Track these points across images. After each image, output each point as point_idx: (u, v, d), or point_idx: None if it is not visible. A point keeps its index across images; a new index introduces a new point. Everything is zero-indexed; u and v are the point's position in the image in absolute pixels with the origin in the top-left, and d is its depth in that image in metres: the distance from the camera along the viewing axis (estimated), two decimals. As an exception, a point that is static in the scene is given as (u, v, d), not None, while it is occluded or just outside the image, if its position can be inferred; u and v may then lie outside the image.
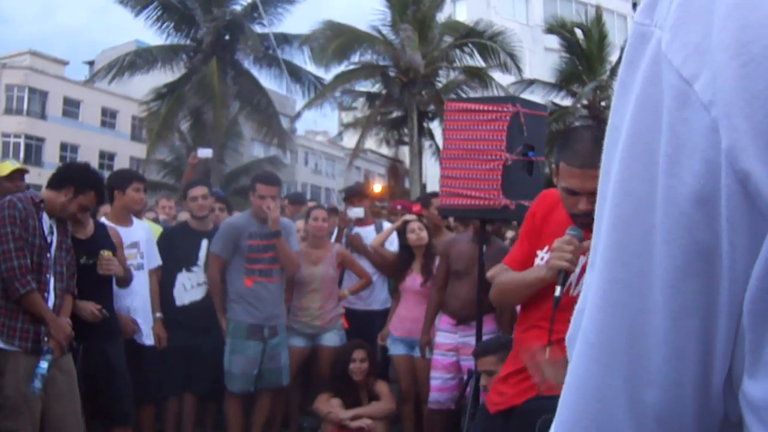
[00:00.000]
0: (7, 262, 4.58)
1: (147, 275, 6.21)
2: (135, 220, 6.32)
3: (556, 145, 3.26)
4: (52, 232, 4.93)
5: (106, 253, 5.41)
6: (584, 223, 3.03)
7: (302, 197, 10.17)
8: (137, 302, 6.01)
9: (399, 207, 9.00)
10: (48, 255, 4.82)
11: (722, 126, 0.62)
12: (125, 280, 5.71)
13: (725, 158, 0.62)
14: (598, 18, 28.91)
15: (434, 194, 6.77)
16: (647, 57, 0.69)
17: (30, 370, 4.56)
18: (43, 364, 4.58)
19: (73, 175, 5.11)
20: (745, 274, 0.64)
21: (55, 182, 5.05)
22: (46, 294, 4.76)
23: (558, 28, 29.09)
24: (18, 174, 6.02)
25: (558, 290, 3.05)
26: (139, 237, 6.21)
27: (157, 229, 7.10)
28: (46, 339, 4.68)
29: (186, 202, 6.85)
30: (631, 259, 0.71)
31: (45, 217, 4.89)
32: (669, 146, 0.66)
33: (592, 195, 2.86)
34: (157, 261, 6.36)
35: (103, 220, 6.11)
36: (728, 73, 0.62)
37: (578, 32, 28.93)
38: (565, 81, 29.05)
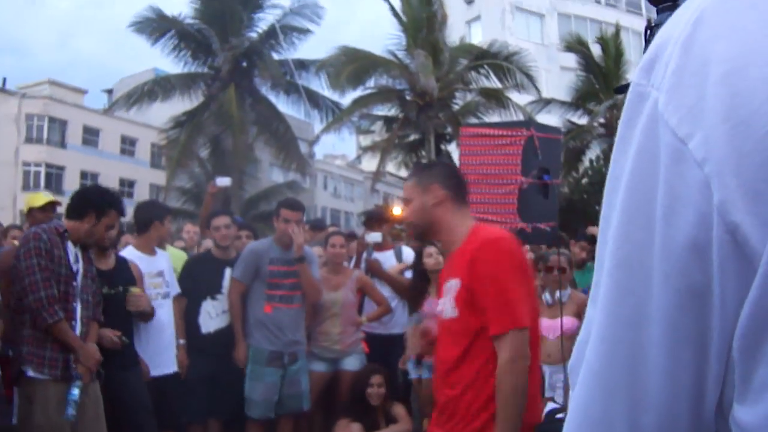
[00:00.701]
0: (34, 293, 4.63)
1: (171, 303, 6.29)
2: (157, 249, 6.42)
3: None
4: (77, 261, 4.99)
5: (135, 290, 5.51)
6: (410, 232, 3.47)
7: (323, 223, 10.22)
8: (162, 332, 6.09)
9: None
10: (74, 284, 4.89)
11: (714, 182, 0.69)
12: (148, 315, 5.80)
13: (717, 211, 0.69)
14: (616, 34, 28.92)
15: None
16: (645, 115, 0.76)
17: (60, 398, 4.61)
18: (75, 391, 4.63)
19: (90, 201, 5.17)
20: (734, 313, 0.70)
21: (74, 211, 5.11)
22: (73, 322, 4.81)
23: (576, 44, 29.12)
24: (50, 206, 6.10)
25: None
26: (163, 266, 6.31)
27: (185, 258, 7.20)
28: (74, 366, 4.73)
29: (208, 231, 6.90)
30: (630, 298, 0.78)
31: (70, 246, 4.96)
32: (665, 198, 0.73)
33: (405, 203, 3.44)
34: (177, 289, 6.43)
35: (129, 248, 6.21)
36: (719, 135, 0.69)
37: (596, 49, 28.94)
38: (582, 99, 29.04)
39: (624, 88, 1.22)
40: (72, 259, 4.94)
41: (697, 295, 0.72)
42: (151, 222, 6.24)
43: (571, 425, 0.86)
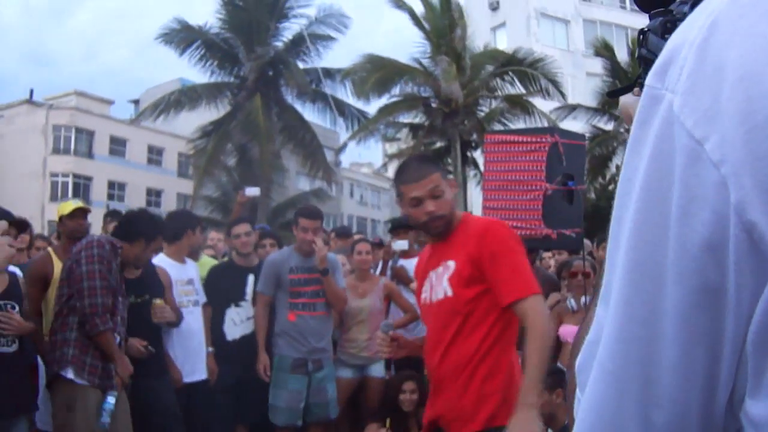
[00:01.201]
0: (92, 298, 4.71)
1: (201, 311, 6.36)
2: (186, 258, 6.51)
3: (394, 179, 3.68)
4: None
5: (158, 302, 5.57)
6: (437, 225, 3.44)
7: (348, 231, 10.24)
8: (192, 338, 6.16)
9: None
10: (120, 298, 4.99)
11: (731, 182, 0.71)
12: (174, 322, 5.87)
13: (734, 210, 0.71)
14: (645, 39, 28.72)
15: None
16: (659, 117, 0.78)
17: (96, 406, 4.68)
18: (111, 400, 4.70)
19: (141, 227, 5.30)
20: (749, 310, 0.72)
21: (126, 235, 5.23)
22: (115, 334, 4.89)
23: (603, 49, 29.02)
24: (80, 213, 6.15)
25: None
26: (193, 274, 6.40)
27: (212, 264, 7.28)
28: (115, 374, 4.82)
29: (230, 239, 6.96)
30: (644, 297, 0.79)
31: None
32: (681, 198, 0.74)
33: (432, 197, 3.39)
34: (204, 297, 6.50)
35: (160, 255, 6.26)
36: (736, 138, 0.71)
37: (622, 55, 28.82)
38: (608, 105, 28.92)
39: (616, 93, 1.24)
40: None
41: (711, 293, 0.74)
42: (184, 231, 6.34)
43: (584, 424, 0.88)
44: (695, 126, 0.73)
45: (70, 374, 4.70)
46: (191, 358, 6.12)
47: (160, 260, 6.18)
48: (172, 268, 6.16)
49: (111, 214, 7.62)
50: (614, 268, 0.83)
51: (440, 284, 3.40)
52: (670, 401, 0.79)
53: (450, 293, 3.34)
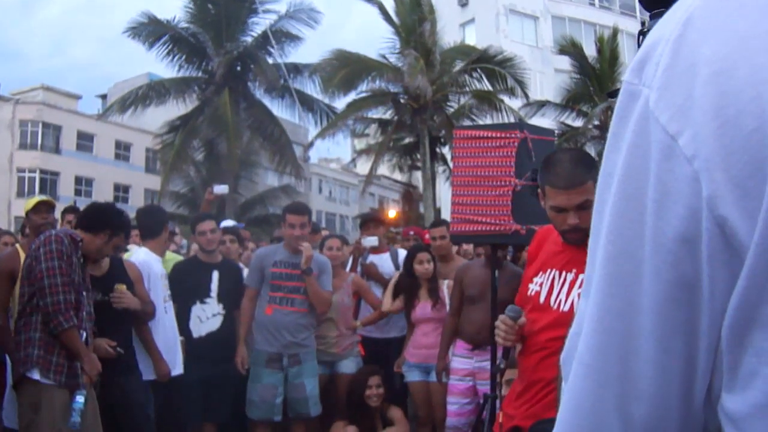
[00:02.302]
0: (54, 296, 4.59)
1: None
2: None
3: (539, 170, 3.40)
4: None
5: (119, 287, 5.47)
6: (575, 237, 3.22)
7: (317, 227, 10.24)
8: (170, 333, 6.12)
9: (411, 233, 9.01)
10: (84, 293, 4.87)
11: (703, 177, 0.72)
12: (147, 313, 5.79)
13: (706, 205, 0.72)
14: (613, 37, 28.94)
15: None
16: (636, 113, 0.78)
17: (63, 405, 4.58)
18: (80, 399, 4.60)
19: (107, 219, 5.19)
20: (723, 304, 0.73)
21: (91, 226, 5.11)
22: (81, 331, 4.78)
23: (569, 47, 29.17)
24: (43, 206, 6.08)
25: (502, 362, 3.67)
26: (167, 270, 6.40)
27: (177, 260, 7.24)
28: (81, 374, 4.72)
29: (194, 236, 6.92)
30: (622, 289, 0.80)
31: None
32: (656, 192, 0.75)
33: (577, 209, 3.13)
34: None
35: (145, 251, 6.24)
36: (708, 133, 0.71)
37: (590, 51, 28.99)
38: (573, 101, 29.08)
39: (617, 93, 1.23)
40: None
41: (687, 287, 0.75)
42: (162, 225, 6.35)
43: (563, 416, 0.89)
44: (669, 121, 0.74)
45: (36, 375, 4.60)
46: (167, 353, 6.06)
47: (146, 255, 6.15)
48: (157, 263, 6.14)
49: (69, 210, 7.53)
50: (594, 261, 0.84)
51: (568, 294, 3.25)
52: (648, 394, 0.79)
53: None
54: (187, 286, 6.58)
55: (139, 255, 6.18)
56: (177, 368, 6.13)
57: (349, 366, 6.93)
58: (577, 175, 3.17)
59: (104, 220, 5.16)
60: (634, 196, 0.77)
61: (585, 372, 0.84)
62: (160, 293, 6.03)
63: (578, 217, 3.14)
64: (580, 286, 3.17)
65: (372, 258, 7.56)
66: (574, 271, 3.26)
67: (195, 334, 6.58)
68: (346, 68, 26.31)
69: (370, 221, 7.96)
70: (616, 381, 0.81)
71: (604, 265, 0.81)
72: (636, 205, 0.77)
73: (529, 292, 3.48)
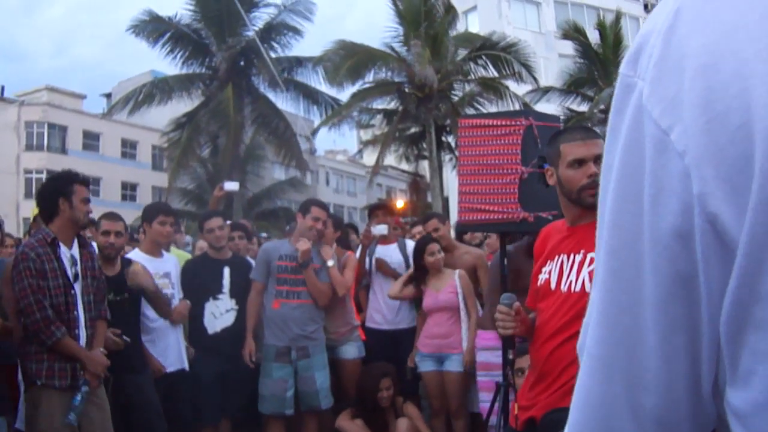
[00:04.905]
0: (30, 316, 4.57)
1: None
2: (164, 252, 6.50)
3: (548, 144, 3.43)
4: (75, 264, 4.87)
5: (135, 265, 5.50)
6: (593, 194, 3.16)
7: (339, 223, 10.19)
8: (170, 331, 6.15)
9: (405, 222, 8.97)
10: (73, 291, 4.78)
11: (693, 173, 0.71)
12: (164, 308, 5.86)
13: (697, 201, 0.71)
14: (616, 21, 28.83)
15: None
16: (631, 106, 0.78)
17: (65, 405, 4.58)
18: (78, 397, 4.60)
19: (50, 192, 4.99)
20: (719, 299, 0.73)
21: (47, 212, 4.94)
22: (76, 331, 4.74)
23: (572, 32, 29.08)
24: None
25: (510, 353, 3.88)
26: (170, 268, 6.36)
27: (187, 257, 7.25)
28: (82, 373, 4.70)
29: (203, 234, 6.92)
30: (624, 284, 0.80)
31: (64, 251, 4.82)
32: (651, 188, 0.75)
33: (598, 159, 3.17)
34: (180, 292, 6.48)
35: (135, 251, 6.28)
36: (697, 128, 0.71)
37: (594, 36, 28.90)
38: (577, 85, 29.00)
39: None
40: (68, 264, 4.81)
41: (685, 283, 0.74)
42: (142, 223, 6.36)
43: (575, 409, 0.89)
44: (662, 115, 0.74)
45: (40, 382, 4.62)
46: (167, 350, 6.11)
47: (135, 255, 6.17)
48: (149, 263, 6.11)
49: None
50: (600, 252, 0.84)
51: (579, 274, 3.20)
52: (656, 386, 0.79)
53: (589, 288, 3.17)
54: (199, 283, 6.60)
55: (129, 255, 6.22)
56: (176, 365, 6.19)
57: (350, 351, 6.95)
58: (591, 132, 3.32)
59: (48, 198, 4.97)
60: (631, 190, 0.77)
61: (593, 364, 0.85)
62: None
63: (598, 168, 3.09)
64: (590, 264, 3.15)
65: (379, 249, 7.50)
66: (582, 251, 3.22)
67: (210, 330, 6.61)
68: (352, 59, 26.23)
69: (378, 209, 7.94)
70: (624, 373, 0.81)
71: (605, 259, 0.82)
72: (633, 200, 0.77)
73: (539, 283, 3.44)
